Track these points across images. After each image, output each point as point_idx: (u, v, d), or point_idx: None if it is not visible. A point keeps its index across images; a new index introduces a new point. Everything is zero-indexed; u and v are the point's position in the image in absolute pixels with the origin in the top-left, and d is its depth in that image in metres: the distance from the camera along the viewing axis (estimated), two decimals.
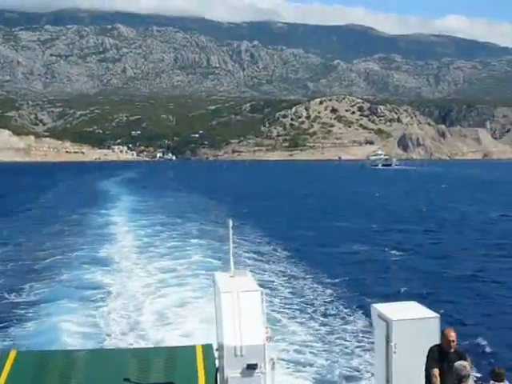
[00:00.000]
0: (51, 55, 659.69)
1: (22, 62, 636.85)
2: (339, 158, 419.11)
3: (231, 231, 13.20)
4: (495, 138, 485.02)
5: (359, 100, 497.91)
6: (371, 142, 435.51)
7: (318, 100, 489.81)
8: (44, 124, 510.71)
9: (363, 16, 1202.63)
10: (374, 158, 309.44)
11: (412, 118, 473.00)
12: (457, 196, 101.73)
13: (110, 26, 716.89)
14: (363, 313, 25.88)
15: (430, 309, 12.85)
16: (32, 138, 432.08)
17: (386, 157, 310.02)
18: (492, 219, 67.57)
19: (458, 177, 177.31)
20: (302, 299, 29.22)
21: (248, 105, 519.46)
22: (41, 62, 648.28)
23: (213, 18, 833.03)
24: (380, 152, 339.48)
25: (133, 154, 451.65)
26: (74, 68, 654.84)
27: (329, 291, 31.19)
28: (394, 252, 44.58)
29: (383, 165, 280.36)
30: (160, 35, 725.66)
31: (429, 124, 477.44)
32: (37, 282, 32.27)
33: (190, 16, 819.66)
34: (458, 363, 10.46)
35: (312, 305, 28.43)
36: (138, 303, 27.70)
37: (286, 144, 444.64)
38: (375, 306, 13.27)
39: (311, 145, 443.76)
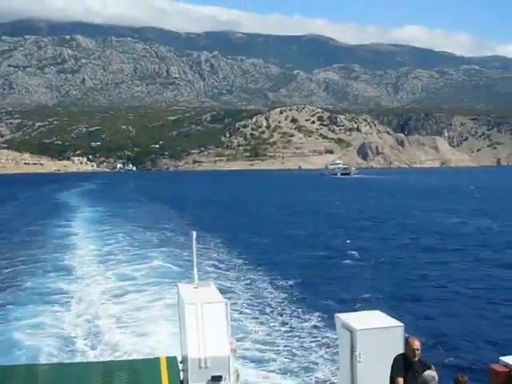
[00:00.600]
0: (9, 66, 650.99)
1: None
2: (299, 167, 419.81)
3: (194, 242, 13.40)
4: (453, 146, 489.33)
5: (319, 109, 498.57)
6: (331, 152, 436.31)
7: (278, 110, 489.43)
8: (2, 136, 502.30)
9: (323, 26, 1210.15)
10: (332, 167, 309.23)
11: (371, 126, 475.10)
12: (415, 203, 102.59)
13: (68, 37, 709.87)
14: (322, 315, 26.44)
15: (393, 316, 12.91)
16: None
17: (345, 166, 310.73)
18: (450, 225, 68.48)
19: (416, 184, 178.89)
20: (263, 303, 29.58)
21: (208, 115, 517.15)
22: None
23: (172, 29, 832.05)
24: (338, 161, 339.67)
25: (93, 165, 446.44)
26: (33, 79, 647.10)
27: (289, 297, 31.53)
28: (353, 258, 45.13)
29: (342, 174, 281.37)
30: (119, 46, 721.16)
31: (388, 133, 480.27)
32: None
33: (149, 26, 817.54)
34: (427, 373, 10.37)
35: (269, 305, 29.01)
36: (100, 311, 27.78)
37: (247, 154, 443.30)
38: (339, 315, 13.13)
39: (271, 154, 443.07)
